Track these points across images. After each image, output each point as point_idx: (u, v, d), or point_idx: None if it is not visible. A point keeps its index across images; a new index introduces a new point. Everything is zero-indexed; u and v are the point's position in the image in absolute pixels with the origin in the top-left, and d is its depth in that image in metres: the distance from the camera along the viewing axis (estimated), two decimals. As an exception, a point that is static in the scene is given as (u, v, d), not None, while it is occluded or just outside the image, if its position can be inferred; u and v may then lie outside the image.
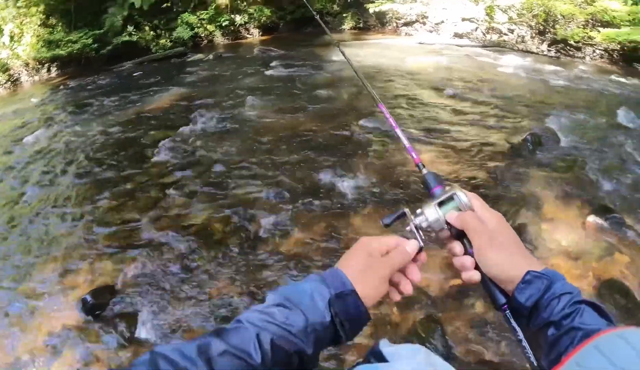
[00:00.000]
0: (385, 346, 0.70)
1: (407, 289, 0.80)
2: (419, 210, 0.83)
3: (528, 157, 4.88)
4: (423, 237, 0.82)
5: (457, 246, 0.82)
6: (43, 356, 2.99)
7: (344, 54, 1.59)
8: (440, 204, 0.82)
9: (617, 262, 3.40)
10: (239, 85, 7.70)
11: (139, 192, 4.69)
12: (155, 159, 5.36)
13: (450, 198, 0.82)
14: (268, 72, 8.42)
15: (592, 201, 4.09)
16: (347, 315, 0.69)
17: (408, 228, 0.83)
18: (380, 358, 0.67)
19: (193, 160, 5.25)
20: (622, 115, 5.78)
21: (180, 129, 6.07)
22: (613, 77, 7.61)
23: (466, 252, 0.81)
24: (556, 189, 4.28)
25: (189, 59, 10.09)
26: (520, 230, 3.75)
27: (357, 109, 6.34)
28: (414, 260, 0.81)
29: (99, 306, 3.28)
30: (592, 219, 3.80)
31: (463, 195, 0.83)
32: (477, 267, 0.79)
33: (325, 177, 4.61)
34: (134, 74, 9.40)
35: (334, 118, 6.04)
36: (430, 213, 0.82)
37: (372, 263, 0.75)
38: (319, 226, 3.96)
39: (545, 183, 4.39)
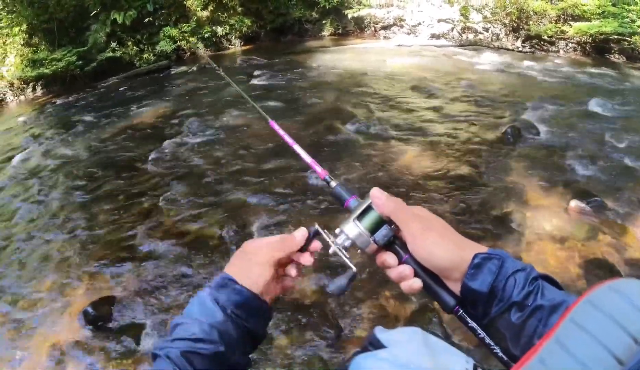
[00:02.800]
0: (381, 332, 0.67)
1: (292, 272, 0.82)
2: (337, 230, 0.77)
3: (509, 149, 5.05)
4: (349, 257, 0.76)
5: (389, 257, 0.76)
6: (48, 372, 3.01)
7: (225, 76, 1.66)
8: (360, 217, 0.76)
9: (601, 242, 3.56)
10: (224, 95, 7.76)
11: (131, 204, 4.72)
12: (145, 170, 5.40)
13: (369, 207, 0.76)
14: (252, 82, 8.50)
15: (573, 186, 4.26)
16: (233, 302, 0.72)
17: (331, 250, 0.77)
18: (378, 345, 0.65)
19: (183, 170, 5.30)
20: (596, 104, 5.98)
21: (169, 140, 6.11)
22: (586, 68, 7.85)
23: (400, 262, 0.75)
24: (538, 177, 4.45)
25: (173, 72, 10.11)
26: (505, 218, 3.90)
27: (341, 112, 6.46)
28: (306, 249, 0.81)
29: (100, 317, 3.30)
30: (574, 203, 3.96)
31: None
32: (416, 275, 0.74)
33: (314, 179, 4.70)
34: (120, 89, 9.37)
35: (319, 122, 6.15)
36: (351, 229, 0.75)
37: (248, 253, 0.78)
38: (310, 226, 4.02)
39: (527, 172, 4.55)
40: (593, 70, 7.73)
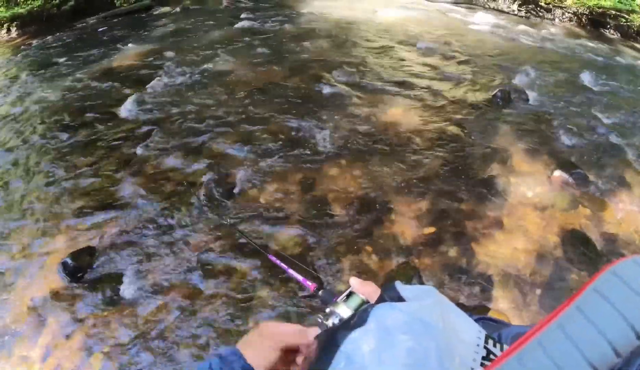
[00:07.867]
0: (400, 286, 0.70)
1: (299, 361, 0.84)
2: (328, 310, 0.87)
3: (497, 112, 4.98)
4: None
5: None
6: (29, 325, 2.96)
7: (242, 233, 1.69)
8: (346, 299, 0.88)
9: (580, 214, 3.57)
10: (208, 39, 7.49)
11: (110, 151, 4.57)
12: (124, 116, 5.21)
13: (352, 292, 0.89)
14: (238, 25, 8.20)
15: (557, 156, 4.23)
16: None
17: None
18: (398, 298, 0.67)
19: (163, 116, 5.13)
20: (587, 78, 5.91)
21: (149, 84, 5.90)
22: (581, 40, 7.72)
23: None
24: (524, 144, 4.41)
25: (155, 13, 9.69)
26: (489, 181, 3.90)
27: (328, 61, 6.28)
28: None
29: (80, 269, 3.25)
30: (557, 173, 3.96)
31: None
32: None
33: (299, 129, 4.61)
34: (99, 30, 8.96)
35: (305, 70, 5.99)
36: (342, 310, 0.86)
37: (261, 335, 0.84)
38: (294, 177, 3.99)
39: (513, 138, 4.51)
40: (587, 43, 7.60)
